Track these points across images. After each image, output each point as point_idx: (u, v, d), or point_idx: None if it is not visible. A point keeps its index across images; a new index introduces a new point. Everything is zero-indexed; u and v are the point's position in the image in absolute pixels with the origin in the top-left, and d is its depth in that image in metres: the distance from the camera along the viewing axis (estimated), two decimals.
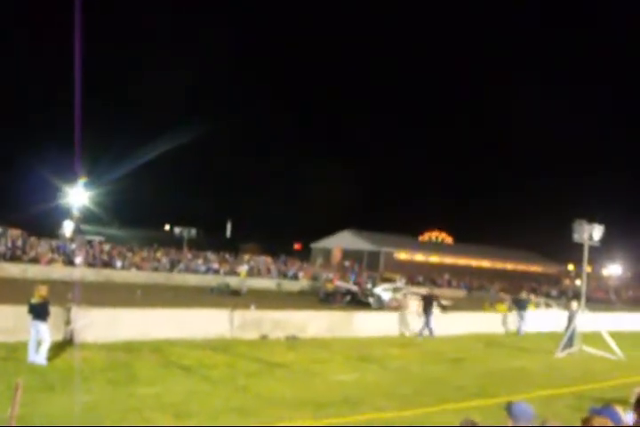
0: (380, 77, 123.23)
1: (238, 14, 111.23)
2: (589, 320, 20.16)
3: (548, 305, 30.86)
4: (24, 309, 12.43)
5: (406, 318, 21.98)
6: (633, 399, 5.50)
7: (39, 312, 12.25)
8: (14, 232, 46.78)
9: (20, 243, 39.98)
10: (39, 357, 12.02)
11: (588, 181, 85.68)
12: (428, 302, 21.84)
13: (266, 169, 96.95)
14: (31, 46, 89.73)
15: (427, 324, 21.19)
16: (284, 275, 47.47)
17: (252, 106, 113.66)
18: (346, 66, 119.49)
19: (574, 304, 20.62)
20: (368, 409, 10.33)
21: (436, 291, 45.14)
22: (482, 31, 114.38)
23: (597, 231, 19.67)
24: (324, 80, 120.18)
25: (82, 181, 46.33)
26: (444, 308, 22.69)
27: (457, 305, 31.69)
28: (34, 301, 12.35)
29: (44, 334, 12.18)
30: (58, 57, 65.73)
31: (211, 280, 38.58)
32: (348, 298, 33.29)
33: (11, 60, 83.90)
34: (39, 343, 12.12)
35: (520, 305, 24.92)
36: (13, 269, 33.55)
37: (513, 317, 25.25)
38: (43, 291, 12.48)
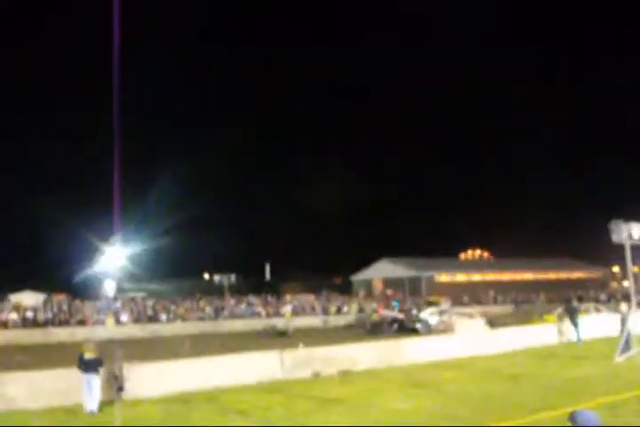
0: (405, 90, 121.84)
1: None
2: None
3: (598, 310, 30.21)
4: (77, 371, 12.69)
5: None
6: None
7: (94, 366, 12.65)
8: (58, 297, 47.49)
9: (65, 307, 40.57)
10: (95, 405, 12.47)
11: (624, 178, 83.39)
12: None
13: (293, 211, 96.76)
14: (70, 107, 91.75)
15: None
16: (328, 311, 47.23)
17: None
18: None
19: (624, 306, 20.23)
20: None
21: (488, 308, 45.20)
22: None
23: (637, 229, 19.35)
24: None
25: (117, 239, 47.05)
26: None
27: (505, 321, 31.24)
28: (87, 356, 12.72)
29: (97, 387, 12.53)
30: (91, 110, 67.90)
31: (256, 324, 38.56)
32: (396, 326, 33.08)
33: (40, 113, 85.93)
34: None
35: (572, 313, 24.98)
36: (62, 334, 33.98)
37: (564, 325, 24.99)
38: (92, 345, 12.93)
